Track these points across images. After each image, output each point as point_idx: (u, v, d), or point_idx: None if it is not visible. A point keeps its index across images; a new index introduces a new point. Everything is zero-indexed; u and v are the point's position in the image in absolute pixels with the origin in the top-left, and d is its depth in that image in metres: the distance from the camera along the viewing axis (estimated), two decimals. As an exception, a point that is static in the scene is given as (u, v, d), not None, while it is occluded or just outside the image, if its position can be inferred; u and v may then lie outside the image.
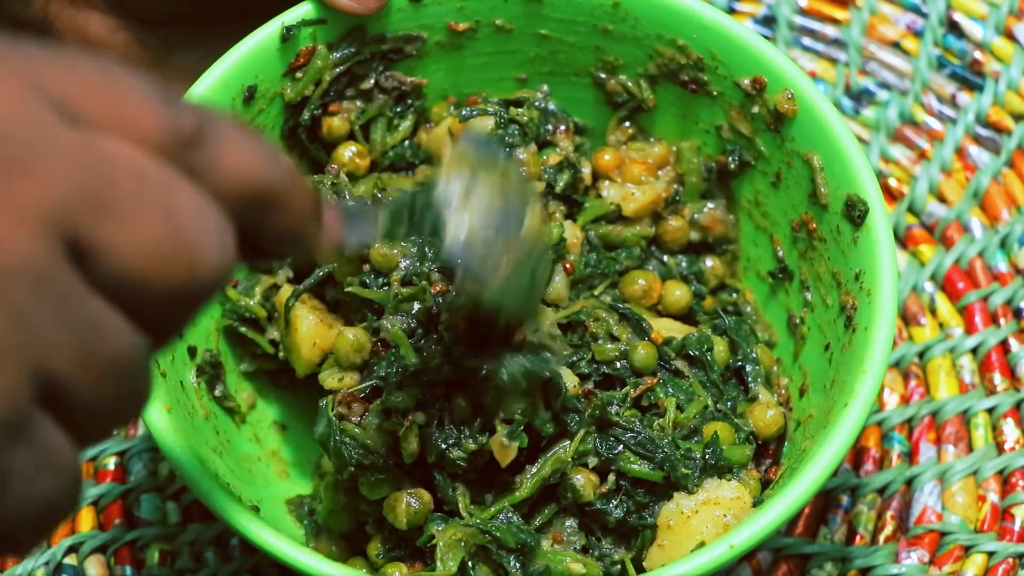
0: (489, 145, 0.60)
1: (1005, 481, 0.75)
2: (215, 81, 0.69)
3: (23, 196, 0.40)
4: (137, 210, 0.42)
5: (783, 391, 0.71)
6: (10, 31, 0.84)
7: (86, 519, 0.74)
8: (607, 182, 0.73)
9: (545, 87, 0.75)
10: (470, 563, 0.64)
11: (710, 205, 0.74)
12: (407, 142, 0.74)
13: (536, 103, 0.73)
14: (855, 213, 0.66)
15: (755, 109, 0.70)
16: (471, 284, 0.58)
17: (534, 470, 0.65)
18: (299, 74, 0.71)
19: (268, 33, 0.70)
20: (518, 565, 0.64)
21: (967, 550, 0.73)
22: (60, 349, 0.41)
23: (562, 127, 0.73)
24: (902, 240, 0.82)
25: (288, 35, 0.70)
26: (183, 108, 0.45)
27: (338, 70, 0.72)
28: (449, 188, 0.57)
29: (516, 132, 0.72)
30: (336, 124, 0.73)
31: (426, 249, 0.67)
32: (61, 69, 0.43)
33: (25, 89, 0.42)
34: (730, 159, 0.72)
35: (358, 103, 0.73)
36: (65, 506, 0.43)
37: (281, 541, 0.60)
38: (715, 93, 0.72)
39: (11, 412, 0.40)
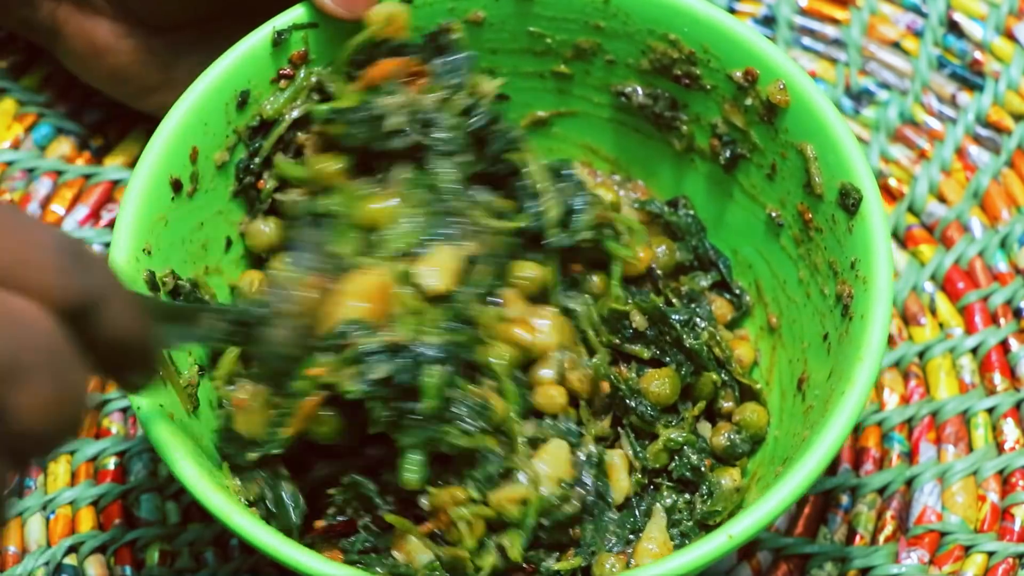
0: (308, 259, 0.65)
1: (1005, 481, 0.75)
2: (207, 87, 0.69)
3: None
4: (42, 378, 0.47)
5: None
6: (17, 32, 0.84)
7: (86, 519, 0.74)
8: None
9: None
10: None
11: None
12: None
13: None
14: (849, 201, 0.66)
15: (748, 101, 0.70)
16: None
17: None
18: (283, 83, 0.71)
19: (260, 38, 0.70)
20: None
21: (967, 550, 0.73)
22: None
23: None
24: (902, 240, 0.82)
25: (280, 39, 0.71)
26: (86, 272, 0.48)
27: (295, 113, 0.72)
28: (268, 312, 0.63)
29: None
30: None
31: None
32: None
33: None
34: (726, 152, 0.73)
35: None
36: None
37: (279, 541, 0.60)
38: (708, 87, 0.72)
39: None
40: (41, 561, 0.73)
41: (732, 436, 0.70)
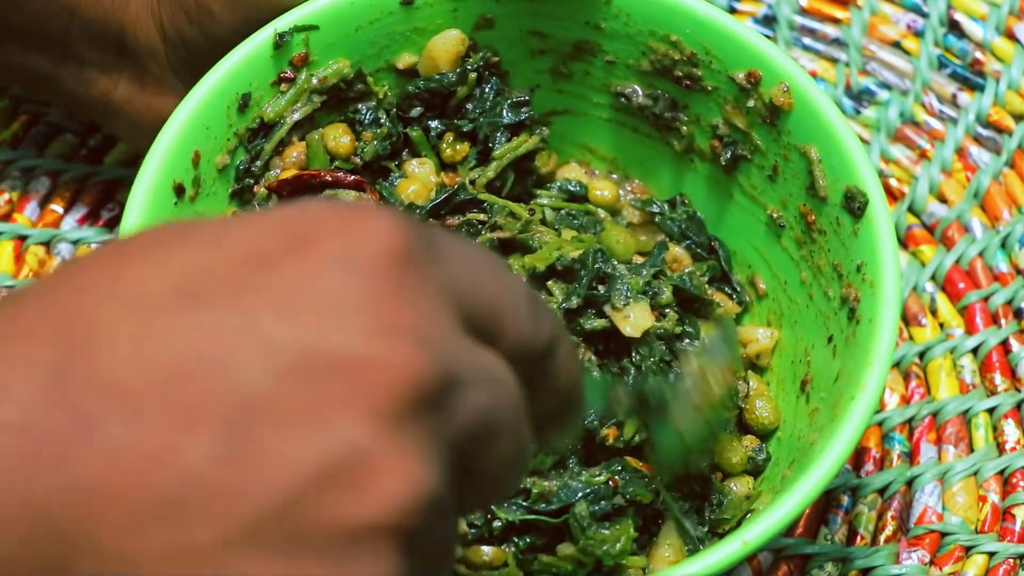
0: (721, 350, 0.64)
1: (1006, 482, 0.75)
2: (209, 90, 0.69)
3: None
4: (508, 438, 0.43)
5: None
6: (70, 112, 0.83)
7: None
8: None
9: None
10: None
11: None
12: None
13: None
14: (855, 205, 0.66)
15: (750, 103, 0.70)
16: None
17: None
18: (284, 86, 0.71)
19: (261, 40, 0.70)
20: None
21: (968, 551, 0.73)
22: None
23: None
24: (902, 240, 0.82)
25: (280, 42, 0.70)
26: (544, 318, 0.45)
27: (296, 115, 0.72)
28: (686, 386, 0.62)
29: None
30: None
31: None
32: (464, 265, 0.42)
33: (440, 303, 0.41)
34: (727, 153, 0.72)
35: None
36: None
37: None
38: (709, 88, 0.72)
39: None
40: (40, 562, 0.73)
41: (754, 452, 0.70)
